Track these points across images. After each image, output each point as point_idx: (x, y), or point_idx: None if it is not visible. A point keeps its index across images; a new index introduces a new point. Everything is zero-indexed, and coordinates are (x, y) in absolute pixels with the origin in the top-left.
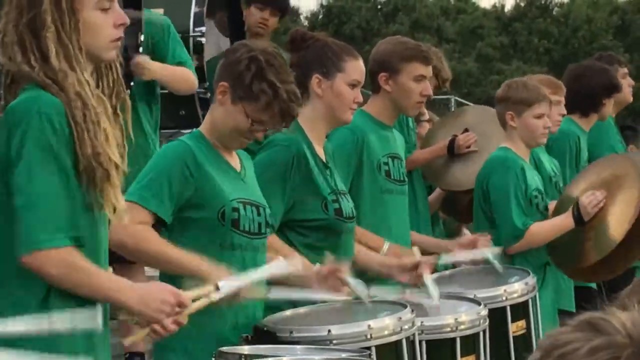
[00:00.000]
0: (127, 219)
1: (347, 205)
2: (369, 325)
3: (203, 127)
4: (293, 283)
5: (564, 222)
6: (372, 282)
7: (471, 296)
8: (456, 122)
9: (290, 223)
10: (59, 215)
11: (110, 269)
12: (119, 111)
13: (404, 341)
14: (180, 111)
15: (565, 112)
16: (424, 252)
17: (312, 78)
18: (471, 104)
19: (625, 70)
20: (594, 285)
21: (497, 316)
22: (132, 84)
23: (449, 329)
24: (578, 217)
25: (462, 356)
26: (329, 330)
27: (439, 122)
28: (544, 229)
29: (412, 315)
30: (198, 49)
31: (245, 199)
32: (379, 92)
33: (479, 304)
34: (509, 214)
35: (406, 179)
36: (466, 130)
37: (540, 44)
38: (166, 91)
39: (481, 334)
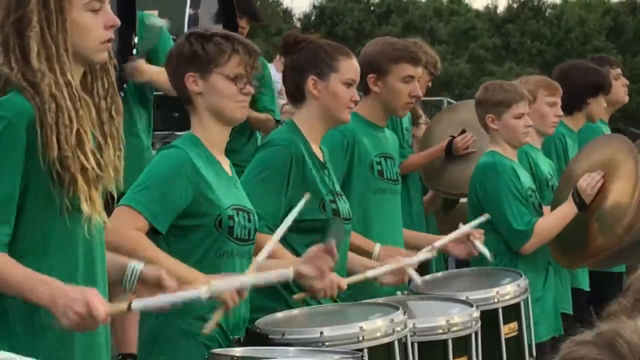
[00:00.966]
0: (122, 223)
1: (344, 206)
2: (361, 327)
3: (196, 131)
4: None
5: (567, 210)
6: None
7: (463, 298)
8: (454, 118)
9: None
10: None
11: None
12: (113, 113)
13: (396, 343)
14: (174, 113)
15: (561, 113)
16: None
17: (307, 80)
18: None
19: (618, 71)
20: (586, 287)
21: (489, 318)
22: (125, 85)
23: (441, 331)
24: (580, 202)
25: (454, 358)
26: (321, 332)
27: (436, 119)
28: (550, 222)
29: (404, 317)
30: None
31: (238, 206)
32: (369, 93)
33: (471, 306)
34: (512, 216)
35: (399, 178)
36: (464, 131)
37: (532, 46)
38: (160, 93)
39: (473, 335)
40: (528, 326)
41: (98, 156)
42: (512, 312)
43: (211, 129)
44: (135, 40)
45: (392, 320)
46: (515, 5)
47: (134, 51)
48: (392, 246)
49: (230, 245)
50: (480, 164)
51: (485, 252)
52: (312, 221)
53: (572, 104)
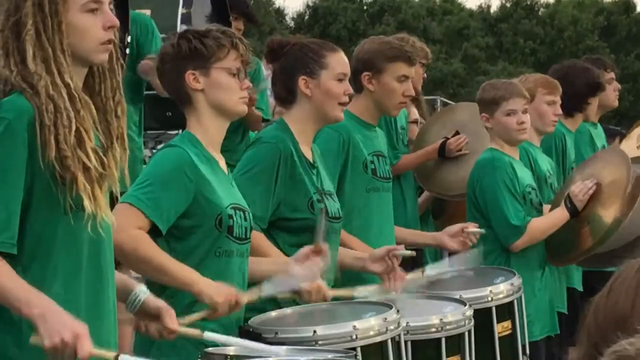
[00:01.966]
0: (124, 221)
1: (333, 205)
2: (354, 326)
3: (193, 129)
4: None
5: (560, 215)
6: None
7: (457, 296)
8: (449, 120)
9: (276, 222)
10: None
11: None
12: (119, 114)
13: (389, 341)
14: (167, 112)
15: (560, 112)
16: (412, 246)
17: (298, 81)
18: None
19: (612, 75)
20: (579, 287)
21: (482, 317)
22: None
23: (434, 330)
24: (572, 208)
25: (447, 356)
26: (315, 331)
27: (432, 119)
28: (543, 224)
29: (398, 315)
30: None
31: (236, 204)
32: (362, 92)
33: (465, 305)
34: (507, 212)
35: (391, 175)
36: (457, 132)
37: (526, 45)
38: (152, 92)
39: (466, 334)
40: (522, 325)
41: (101, 155)
42: (506, 310)
43: (210, 126)
44: (129, 39)
45: (386, 319)
46: (508, 5)
47: (127, 50)
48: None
49: (230, 245)
50: (478, 161)
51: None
52: (299, 220)
53: (572, 105)
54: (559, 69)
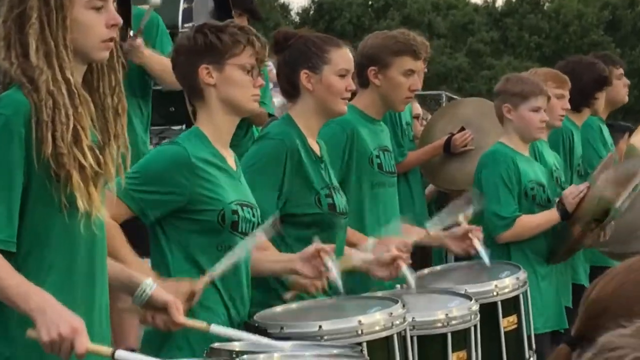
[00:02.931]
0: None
1: (341, 200)
2: (359, 321)
3: (201, 125)
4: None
5: (550, 215)
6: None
7: (462, 291)
8: (454, 115)
9: (284, 217)
10: None
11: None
12: (119, 112)
13: (395, 336)
14: (170, 108)
15: (569, 106)
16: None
17: (300, 74)
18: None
19: (621, 70)
20: (586, 283)
21: (488, 311)
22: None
23: (440, 325)
24: (562, 210)
25: (453, 351)
26: (320, 326)
27: (437, 115)
28: (532, 222)
29: (403, 310)
30: None
31: (242, 201)
32: (368, 87)
33: (470, 299)
34: (497, 203)
35: (396, 171)
36: (462, 128)
37: (531, 40)
38: (157, 88)
39: (472, 329)
40: (527, 319)
41: (97, 153)
42: (511, 305)
43: (220, 122)
44: (131, 34)
45: (391, 313)
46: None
47: (130, 33)
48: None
49: (235, 240)
50: (484, 154)
51: (484, 254)
52: (307, 215)
53: (580, 100)
54: (565, 64)
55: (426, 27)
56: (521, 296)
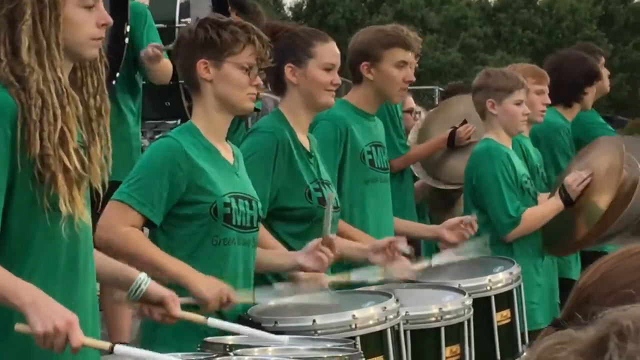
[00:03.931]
0: (114, 219)
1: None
2: (353, 315)
3: (196, 119)
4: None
5: (554, 204)
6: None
7: (456, 286)
8: (452, 112)
9: (275, 212)
10: None
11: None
12: (102, 112)
13: (388, 331)
14: (165, 102)
15: (549, 101)
16: (410, 238)
17: (285, 68)
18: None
19: (603, 60)
20: (575, 277)
21: (481, 306)
22: (117, 75)
23: (433, 319)
24: (566, 198)
25: (446, 345)
26: (314, 320)
27: (434, 112)
28: (537, 214)
29: (397, 304)
30: None
31: (238, 193)
32: (361, 82)
33: (464, 294)
34: (503, 202)
35: (389, 166)
36: (465, 121)
37: (524, 35)
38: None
39: (466, 323)
40: (521, 314)
41: (82, 155)
42: (505, 299)
43: (214, 117)
44: (127, 29)
45: (385, 308)
46: None
47: (126, 40)
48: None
49: (229, 233)
50: (475, 151)
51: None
52: (297, 209)
53: (570, 96)
54: (554, 59)
55: (419, 22)
56: (514, 291)
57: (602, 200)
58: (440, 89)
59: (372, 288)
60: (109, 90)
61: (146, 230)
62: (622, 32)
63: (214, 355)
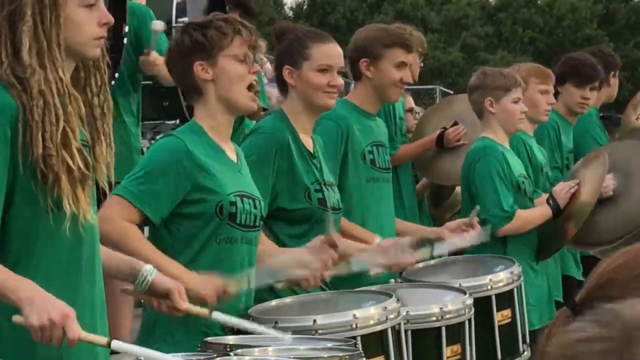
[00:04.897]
0: (113, 213)
1: (332, 196)
2: (354, 315)
3: (199, 119)
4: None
5: (542, 211)
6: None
7: (456, 285)
8: (447, 111)
9: (274, 212)
10: None
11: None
12: (105, 111)
13: (389, 330)
14: (164, 102)
15: (554, 101)
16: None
17: (283, 70)
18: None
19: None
20: (577, 275)
21: (482, 305)
22: (116, 75)
23: (434, 318)
24: (555, 206)
25: (447, 345)
26: (314, 320)
27: (430, 111)
28: (527, 215)
29: (398, 304)
30: None
31: (243, 192)
32: (361, 79)
33: (465, 293)
34: (497, 196)
35: (390, 166)
36: (455, 123)
37: (525, 34)
38: (149, 82)
39: (467, 323)
40: (522, 313)
41: (86, 154)
42: (506, 299)
43: (217, 117)
44: (126, 29)
45: (386, 307)
46: None
47: (124, 40)
48: (390, 238)
49: (234, 232)
50: (471, 149)
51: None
52: (297, 211)
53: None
54: (565, 60)
55: (420, 22)
56: (515, 290)
57: (590, 197)
58: (441, 88)
59: (373, 288)
60: None
61: (146, 231)
62: (622, 31)
63: (214, 355)
